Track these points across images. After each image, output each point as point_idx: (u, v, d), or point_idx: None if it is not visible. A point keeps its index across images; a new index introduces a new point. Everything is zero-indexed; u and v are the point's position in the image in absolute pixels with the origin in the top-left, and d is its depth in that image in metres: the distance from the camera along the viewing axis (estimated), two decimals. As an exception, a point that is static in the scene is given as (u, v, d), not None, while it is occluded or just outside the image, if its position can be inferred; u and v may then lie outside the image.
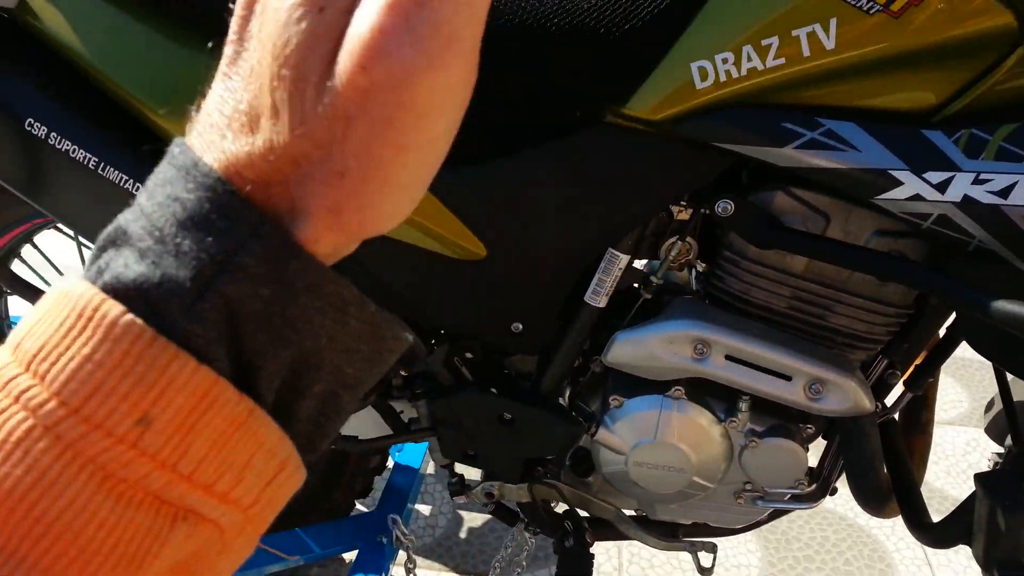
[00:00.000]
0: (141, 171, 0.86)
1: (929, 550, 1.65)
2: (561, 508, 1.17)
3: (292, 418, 0.27)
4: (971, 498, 0.94)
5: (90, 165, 0.85)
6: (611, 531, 1.15)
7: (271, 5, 0.24)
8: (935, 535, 1.00)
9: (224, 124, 0.25)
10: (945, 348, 1.04)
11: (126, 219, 0.26)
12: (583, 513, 1.16)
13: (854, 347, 0.96)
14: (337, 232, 0.25)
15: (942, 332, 1.04)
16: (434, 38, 0.23)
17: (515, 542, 1.29)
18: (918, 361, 1.05)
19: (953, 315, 0.98)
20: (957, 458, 1.91)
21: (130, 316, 0.24)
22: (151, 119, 0.87)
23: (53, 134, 0.85)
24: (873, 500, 1.06)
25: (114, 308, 0.24)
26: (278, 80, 0.24)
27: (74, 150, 0.85)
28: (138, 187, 0.86)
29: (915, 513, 1.02)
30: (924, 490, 1.07)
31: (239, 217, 0.25)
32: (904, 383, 1.06)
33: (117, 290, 0.25)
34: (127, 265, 0.25)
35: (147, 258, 0.25)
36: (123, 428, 0.24)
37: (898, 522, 1.09)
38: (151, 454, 0.24)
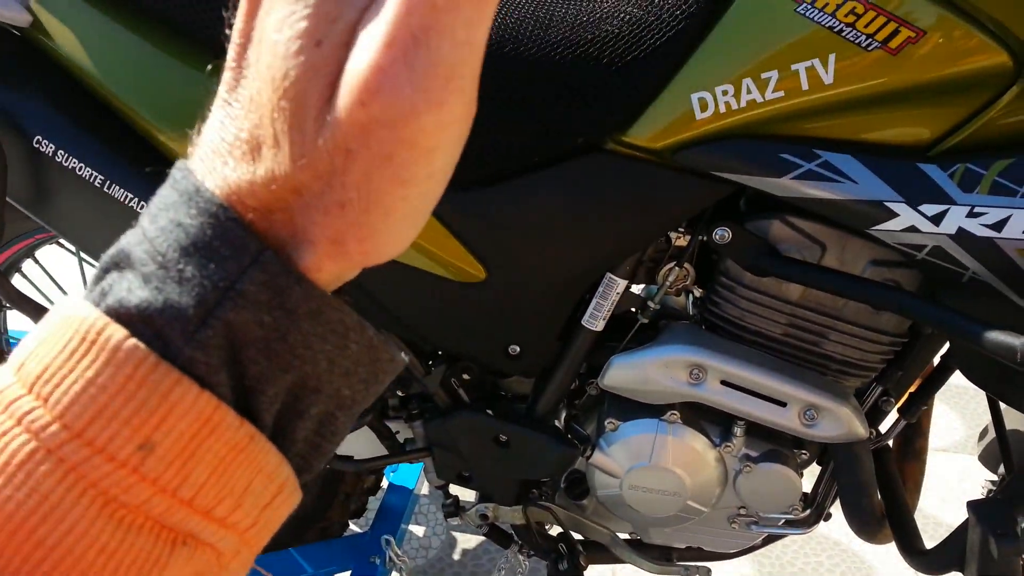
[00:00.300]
0: (147, 190, 0.87)
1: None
2: (555, 531, 1.17)
3: (289, 440, 0.28)
4: (964, 525, 0.95)
5: (96, 183, 0.86)
6: (605, 554, 1.15)
7: (268, 36, 0.25)
8: (928, 562, 1.00)
9: (225, 151, 0.25)
10: (939, 376, 1.05)
11: (129, 242, 0.26)
12: (577, 536, 1.16)
13: (848, 374, 0.97)
14: (339, 261, 0.26)
15: (936, 360, 1.05)
16: (433, 76, 0.23)
17: (508, 564, 1.29)
18: (912, 389, 1.06)
19: (947, 344, 0.99)
20: (952, 485, 1.91)
21: (133, 341, 0.24)
22: (157, 139, 0.88)
23: (61, 152, 0.86)
24: (866, 526, 1.06)
25: (117, 332, 0.24)
26: (278, 111, 0.24)
27: (81, 168, 0.86)
28: (143, 206, 0.87)
29: (908, 539, 1.03)
30: (919, 517, 1.07)
31: (241, 244, 0.25)
32: (898, 410, 1.07)
33: (120, 314, 0.25)
34: (130, 290, 0.25)
35: (150, 283, 0.25)
36: (125, 453, 0.24)
37: (892, 548, 1.10)
38: (152, 479, 0.24)
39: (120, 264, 0.26)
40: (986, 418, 1.14)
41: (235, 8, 0.27)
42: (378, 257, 0.26)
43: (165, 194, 0.26)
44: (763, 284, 0.93)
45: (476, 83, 0.24)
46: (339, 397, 0.27)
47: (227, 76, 0.26)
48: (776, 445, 1.02)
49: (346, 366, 0.27)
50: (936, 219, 0.80)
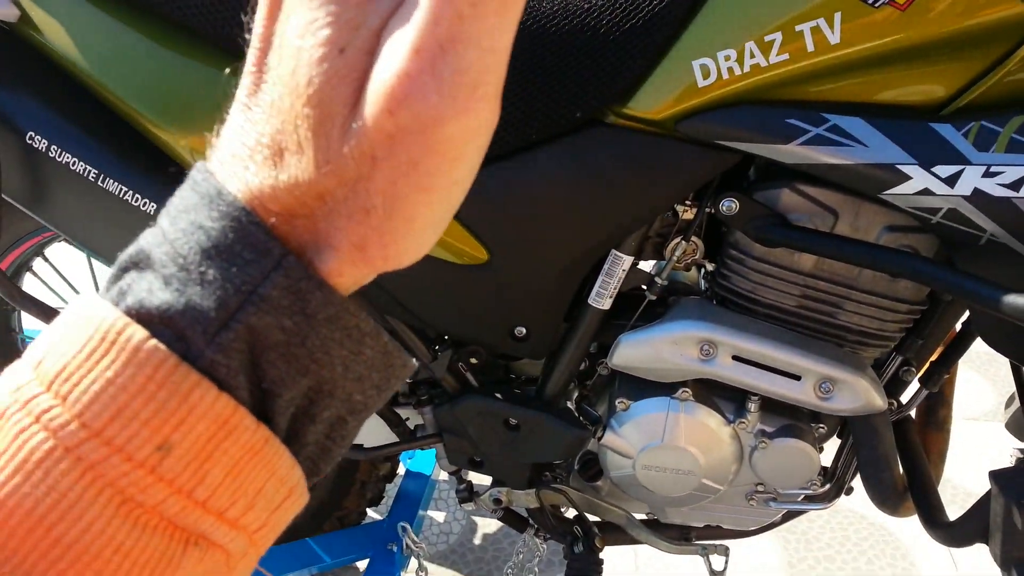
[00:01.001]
0: (141, 184, 0.87)
1: (955, 551, 1.62)
2: (571, 513, 1.16)
3: (300, 443, 0.28)
4: (987, 496, 0.92)
5: (90, 177, 0.85)
6: (622, 535, 1.14)
7: (289, 41, 0.25)
8: (951, 534, 0.98)
9: (246, 155, 0.25)
10: (961, 344, 1.02)
11: (148, 242, 0.26)
12: (593, 518, 1.15)
13: (866, 345, 0.94)
14: (360, 266, 0.26)
15: (958, 327, 1.02)
16: (459, 84, 0.23)
17: (527, 548, 1.28)
18: (933, 357, 1.03)
19: (968, 310, 0.96)
20: (983, 455, 1.87)
21: (154, 342, 0.24)
22: (151, 132, 0.87)
23: (54, 147, 0.86)
24: (887, 499, 1.04)
25: (138, 333, 0.24)
26: (301, 118, 0.24)
27: (74, 162, 0.85)
28: (137, 198, 0.86)
29: (931, 512, 1.00)
30: (948, 487, 1.05)
31: (264, 249, 0.25)
32: (919, 380, 1.04)
33: (141, 315, 0.25)
34: (151, 291, 0.25)
35: (171, 285, 0.25)
36: (143, 453, 0.24)
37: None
38: (169, 480, 0.24)
39: (140, 264, 0.26)
40: (1018, 386, 1.11)
41: (254, 11, 0.27)
42: (398, 262, 0.26)
43: (185, 195, 0.26)
44: (774, 255, 0.91)
45: (500, 91, 0.24)
46: (351, 402, 0.28)
47: (247, 80, 0.26)
48: (792, 420, 1.00)
49: (360, 371, 0.27)
50: (950, 180, 0.77)
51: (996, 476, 0.88)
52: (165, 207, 0.27)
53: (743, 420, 0.98)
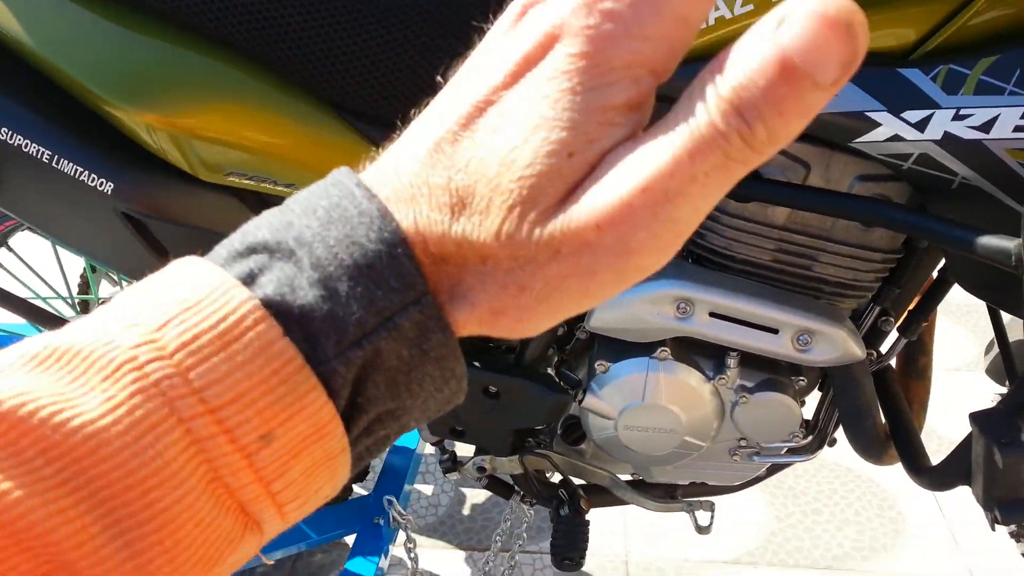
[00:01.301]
0: (96, 162, 0.84)
1: (941, 497, 1.64)
2: (556, 477, 1.16)
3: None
4: (968, 439, 0.93)
5: (44, 159, 0.83)
6: (607, 497, 1.14)
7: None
8: (934, 478, 0.98)
9: (424, 192, 0.26)
10: (938, 291, 1.02)
11: (290, 236, 0.26)
12: (578, 481, 1.15)
13: (842, 296, 0.94)
14: (485, 327, 0.27)
15: (935, 275, 1.01)
16: (669, 232, 0.24)
17: (514, 514, 1.28)
18: (911, 306, 1.03)
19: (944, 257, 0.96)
20: (965, 404, 1.88)
21: (287, 340, 0.25)
22: (103, 108, 0.85)
23: (4, 129, 0.83)
24: (870, 448, 1.04)
25: (274, 328, 0.25)
26: (504, 191, 0.25)
27: (27, 144, 0.83)
28: (93, 178, 0.84)
29: (914, 458, 1.01)
30: (932, 438, 1.05)
31: (411, 283, 0.26)
32: (898, 329, 1.04)
33: (280, 309, 0.25)
34: (293, 288, 0.25)
35: (316, 288, 0.25)
36: (247, 439, 0.25)
37: (907, 470, 1.08)
38: (257, 468, 0.25)
39: (275, 252, 0.26)
40: (998, 335, 1.11)
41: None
42: (518, 335, 0.27)
43: (338, 202, 0.27)
44: (747, 210, 0.90)
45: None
46: (405, 427, 0.29)
47: (447, 129, 0.26)
48: (772, 374, 1.00)
49: (430, 404, 0.28)
50: (920, 125, 0.77)
51: (975, 417, 0.88)
52: (304, 198, 0.27)
53: (723, 376, 0.98)
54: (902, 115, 0.77)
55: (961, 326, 2.12)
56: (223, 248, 0.27)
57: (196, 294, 0.25)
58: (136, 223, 0.87)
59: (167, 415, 0.24)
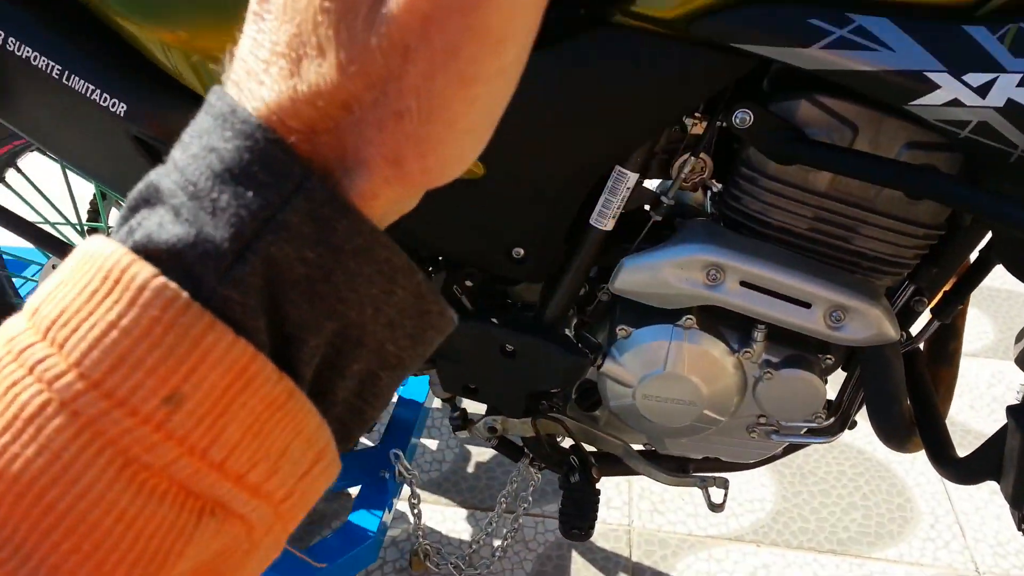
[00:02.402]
0: (108, 80, 0.80)
1: (950, 486, 1.61)
2: (567, 442, 1.13)
3: (328, 400, 0.25)
4: (1001, 432, 0.89)
5: (54, 74, 0.79)
6: (619, 466, 1.11)
7: None
8: (960, 470, 0.95)
9: (261, 69, 0.23)
10: (976, 274, 0.98)
11: (158, 174, 0.23)
12: (589, 448, 1.12)
13: (880, 272, 0.90)
14: (396, 185, 0.23)
15: (973, 257, 0.97)
16: None
17: (521, 477, 1.26)
18: (946, 288, 0.99)
19: (987, 237, 0.92)
20: (982, 391, 1.85)
21: (162, 279, 0.21)
22: (117, 23, 0.80)
23: (12, 39, 0.79)
24: (895, 434, 1.01)
25: (144, 270, 0.21)
26: (321, 14, 0.21)
27: (35, 57, 0.79)
28: (105, 97, 0.80)
29: (940, 447, 0.97)
30: (948, 425, 1.01)
31: (283, 170, 0.22)
32: (931, 311, 1.00)
33: (149, 250, 0.22)
34: (161, 225, 0.22)
35: (180, 216, 0.22)
36: (149, 407, 0.21)
37: (918, 455, 1.04)
38: (179, 438, 0.21)
39: (150, 200, 0.23)
40: (1019, 322, 1.07)
41: None
42: (441, 177, 0.23)
43: (199, 120, 0.24)
44: (788, 174, 0.85)
45: None
46: (383, 353, 0.25)
47: None
48: (799, 350, 0.96)
49: (391, 315, 0.24)
50: (982, 90, 0.72)
51: (1014, 412, 0.84)
52: (179, 138, 0.24)
53: (748, 350, 0.95)
54: (963, 77, 0.72)
55: (982, 311, 2.07)
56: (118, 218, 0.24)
57: (69, 267, 0.22)
58: (148, 148, 0.83)
59: (46, 402, 0.21)
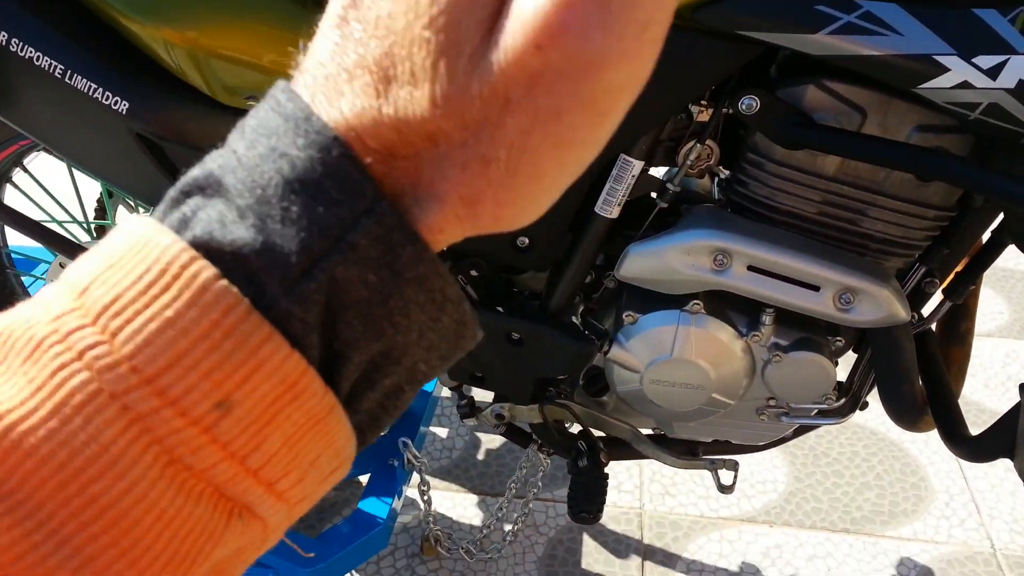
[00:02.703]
0: (110, 79, 0.80)
1: (965, 465, 1.60)
2: (575, 428, 1.13)
3: (355, 410, 0.25)
4: (1015, 409, 0.89)
5: (56, 73, 0.79)
6: (627, 451, 1.11)
7: None
8: (974, 449, 0.94)
9: (343, 79, 0.22)
10: (988, 254, 0.97)
11: (218, 165, 0.23)
12: (598, 433, 1.12)
13: (889, 254, 0.89)
14: (466, 224, 0.23)
15: (985, 237, 0.96)
16: (629, 21, 0.19)
17: (530, 462, 1.26)
18: (958, 268, 0.98)
19: (999, 217, 0.91)
20: (996, 370, 1.84)
21: (225, 283, 0.21)
22: (119, 22, 0.80)
23: (15, 40, 0.79)
24: (906, 415, 1.00)
25: (207, 270, 0.21)
26: (419, 43, 0.20)
27: (38, 57, 0.79)
28: (108, 96, 0.80)
29: (952, 426, 0.97)
30: (960, 403, 1.01)
31: (356, 189, 0.21)
32: (943, 292, 0.99)
33: (210, 249, 0.21)
34: (223, 223, 0.22)
35: (247, 219, 0.21)
36: (200, 410, 0.21)
37: (931, 435, 1.04)
38: (224, 443, 0.21)
39: (207, 189, 0.22)
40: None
41: None
42: (510, 225, 0.23)
43: (264, 116, 0.23)
44: (795, 158, 0.85)
45: (666, 33, 0.21)
46: (414, 371, 0.25)
47: None
48: (808, 332, 0.96)
49: (432, 340, 0.24)
50: (993, 72, 0.71)
51: (1025, 390, 0.84)
52: (238, 126, 0.23)
53: (757, 333, 0.94)
54: (973, 60, 0.71)
55: (995, 291, 2.06)
56: (164, 199, 0.23)
57: (118, 249, 0.22)
58: (151, 145, 0.83)
59: (96, 391, 0.20)
